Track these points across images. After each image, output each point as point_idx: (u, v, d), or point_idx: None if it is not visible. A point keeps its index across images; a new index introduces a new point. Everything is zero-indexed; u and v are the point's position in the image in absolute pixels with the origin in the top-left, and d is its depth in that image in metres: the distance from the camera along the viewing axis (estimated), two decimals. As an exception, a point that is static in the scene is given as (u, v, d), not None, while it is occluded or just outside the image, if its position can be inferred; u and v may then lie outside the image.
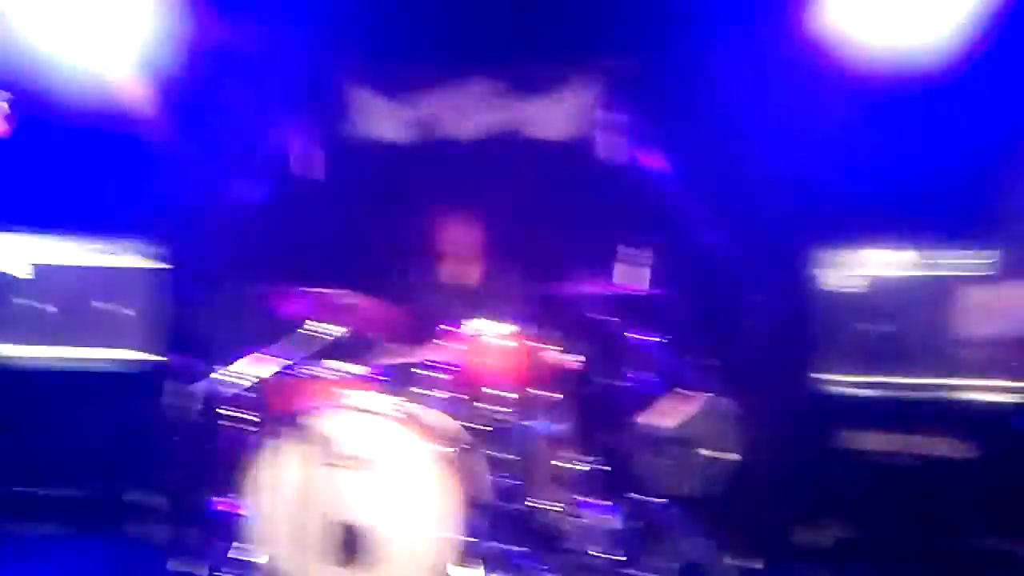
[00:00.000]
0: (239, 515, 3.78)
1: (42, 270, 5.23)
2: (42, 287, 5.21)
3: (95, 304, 5.23)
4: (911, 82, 4.28)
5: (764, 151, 4.54)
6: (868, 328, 4.62)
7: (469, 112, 5.25)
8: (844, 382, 4.71)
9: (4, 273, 5.18)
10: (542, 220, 5.06)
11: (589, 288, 4.07)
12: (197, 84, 4.99)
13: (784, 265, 4.73)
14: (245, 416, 3.90)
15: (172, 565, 3.87)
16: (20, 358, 5.17)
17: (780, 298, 4.56)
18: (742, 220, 4.45)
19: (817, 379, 4.72)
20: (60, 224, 5.21)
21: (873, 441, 4.66)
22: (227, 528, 3.85)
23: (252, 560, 3.57)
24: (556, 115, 5.17)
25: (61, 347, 5.19)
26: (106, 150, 5.21)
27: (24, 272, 5.19)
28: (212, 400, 3.88)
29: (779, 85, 4.47)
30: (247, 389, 3.92)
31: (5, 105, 2.94)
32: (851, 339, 4.71)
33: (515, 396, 3.90)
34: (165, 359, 4.67)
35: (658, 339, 4.00)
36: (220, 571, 3.78)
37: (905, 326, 4.69)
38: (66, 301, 5.21)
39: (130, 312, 5.22)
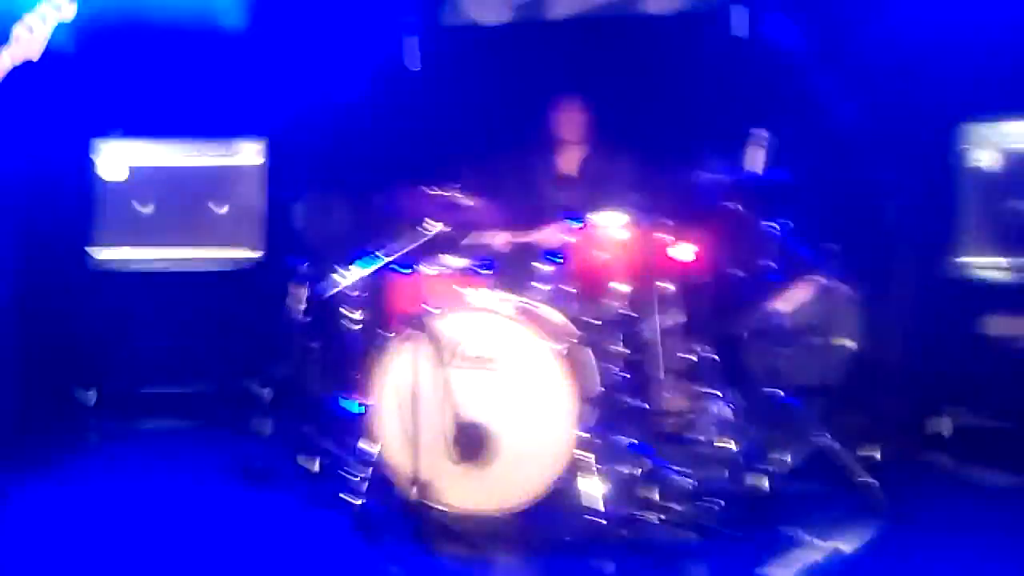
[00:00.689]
0: (360, 412, 3.84)
1: (163, 174, 5.29)
2: (163, 191, 5.28)
3: (210, 205, 5.28)
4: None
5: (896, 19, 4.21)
6: (1007, 208, 4.31)
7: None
8: (980, 265, 4.44)
9: (114, 181, 5.25)
10: (658, 102, 4.85)
11: (709, 173, 3.87)
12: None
13: (917, 141, 4.44)
14: (363, 315, 3.92)
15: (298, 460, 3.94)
16: (138, 260, 5.29)
17: (912, 177, 4.27)
18: (873, 94, 4.14)
19: (952, 262, 4.47)
20: (178, 129, 5.24)
21: (1009, 327, 4.42)
22: (348, 425, 3.93)
23: (373, 457, 3.61)
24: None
25: (180, 248, 5.28)
26: (205, 51, 5.20)
27: (129, 176, 5.25)
28: (331, 299, 3.88)
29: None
30: (364, 288, 3.92)
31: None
32: (988, 219, 4.41)
33: (631, 287, 3.79)
34: (283, 259, 4.68)
35: (782, 224, 3.80)
36: (342, 467, 3.87)
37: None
38: (181, 202, 5.28)
39: (244, 211, 5.26)
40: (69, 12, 2.93)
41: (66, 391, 5.14)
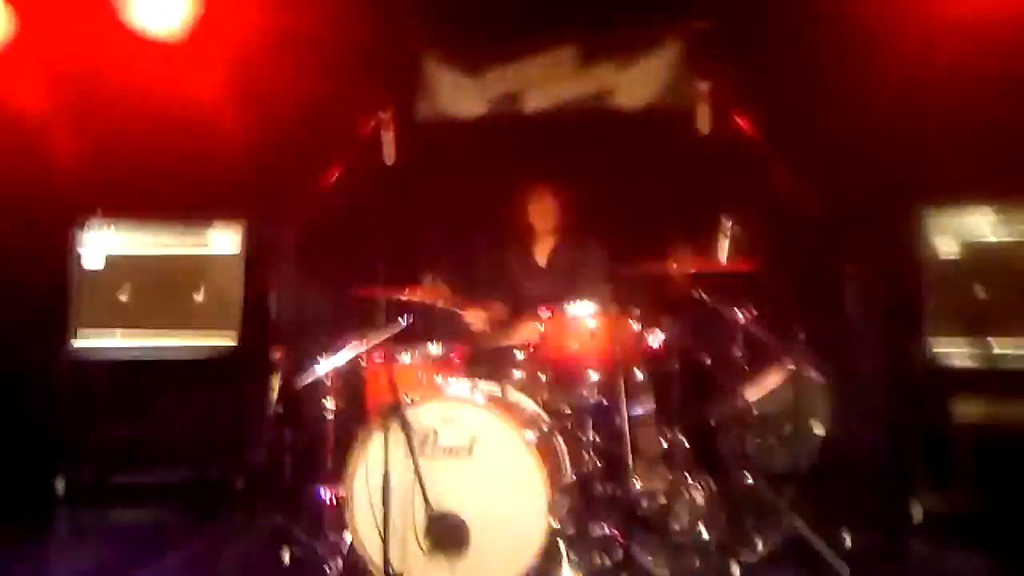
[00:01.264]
0: (333, 501, 3.84)
1: (127, 261, 5.33)
2: (128, 277, 5.31)
3: (187, 292, 5.31)
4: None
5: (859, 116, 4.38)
6: (968, 294, 4.41)
7: (552, 82, 5.16)
8: (946, 350, 4.53)
9: (92, 268, 5.29)
10: (628, 193, 4.98)
11: (676, 263, 3.97)
12: (268, 63, 5.00)
13: (881, 232, 4.57)
14: (338, 404, 3.94)
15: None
16: (113, 348, 5.28)
17: (875, 266, 4.39)
18: (836, 185, 4.28)
19: (919, 348, 4.56)
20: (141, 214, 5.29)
21: (974, 411, 4.49)
22: (321, 514, 3.91)
23: (346, 546, 3.59)
24: (641, 84, 5.05)
25: (151, 335, 5.29)
26: (181, 138, 5.29)
27: (107, 264, 5.29)
28: (306, 387, 3.90)
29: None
30: (339, 377, 3.94)
31: None
32: (951, 306, 4.52)
33: (602, 375, 3.84)
34: (258, 347, 4.71)
35: (749, 314, 3.89)
36: (314, 557, 3.84)
37: (1008, 291, 4.48)
38: (158, 289, 5.30)
39: (221, 298, 5.29)
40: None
41: (37, 479, 5.08)
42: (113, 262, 5.33)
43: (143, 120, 5.21)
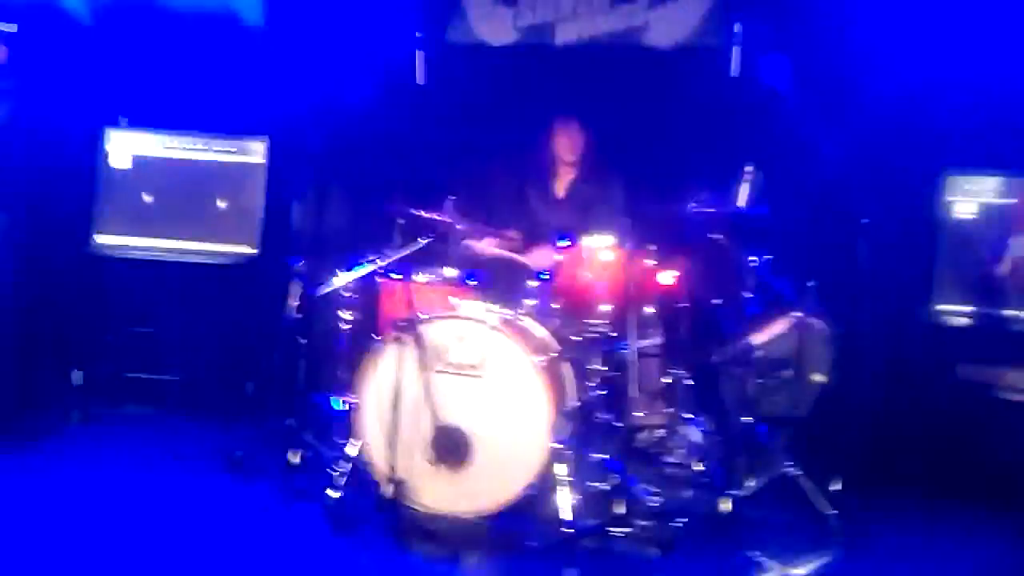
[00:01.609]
0: (344, 410, 3.96)
1: (167, 165, 5.40)
2: (165, 182, 5.38)
3: (210, 199, 5.38)
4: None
5: (884, 68, 4.39)
6: (980, 258, 4.46)
7: (584, 17, 5.15)
8: (952, 311, 4.60)
9: (119, 168, 5.36)
10: (653, 132, 5.00)
11: (696, 203, 4.02)
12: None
13: (899, 188, 4.61)
14: (354, 316, 4.04)
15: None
16: (136, 248, 5.38)
17: (891, 222, 4.43)
18: (858, 140, 4.30)
19: (925, 308, 4.63)
20: (172, 121, 5.35)
21: (970, 372, 4.58)
22: (331, 421, 4.05)
23: (353, 453, 3.73)
24: (674, 22, 5.04)
25: (174, 240, 5.38)
26: (213, 48, 5.33)
27: (133, 165, 5.36)
28: (324, 298, 3.99)
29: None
30: (356, 290, 4.03)
31: None
32: (962, 268, 4.58)
33: (614, 308, 3.92)
34: (278, 257, 4.79)
35: (763, 258, 3.95)
36: (322, 462, 3.99)
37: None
38: (182, 195, 5.38)
39: (243, 208, 5.36)
40: None
41: (56, 371, 5.23)
42: (141, 163, 5.41)
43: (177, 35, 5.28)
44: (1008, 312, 4.56)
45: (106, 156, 5.34)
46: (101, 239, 5.35)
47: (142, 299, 5.41)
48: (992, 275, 4.50)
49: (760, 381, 4.27)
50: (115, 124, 5.35)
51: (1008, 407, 4.44)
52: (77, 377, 5.31)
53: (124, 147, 5.36)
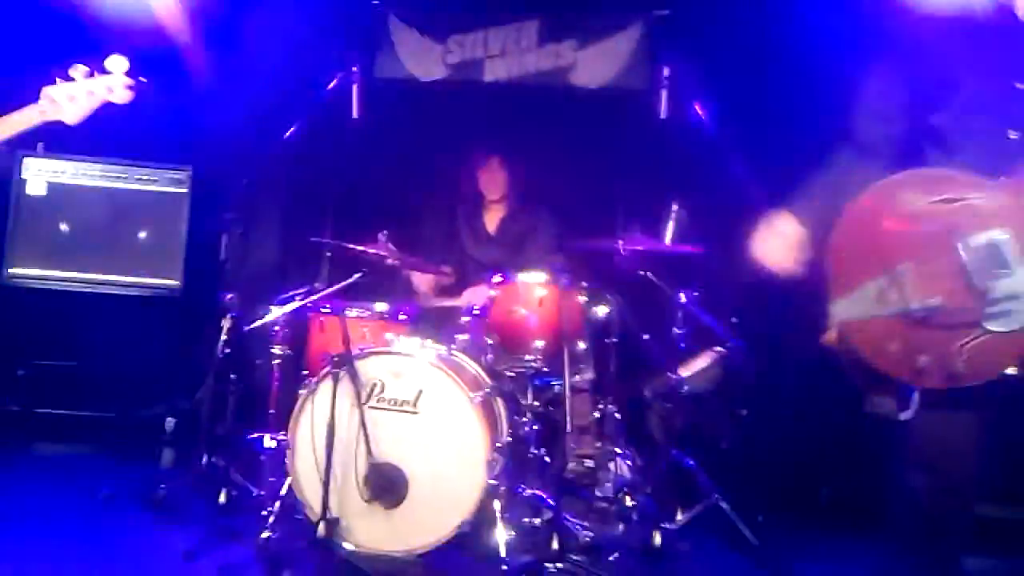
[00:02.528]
0: (273, 447, 3.89)
1: (70, 191, 5.25)
2: (83, 211, 5.23)
3: (130, 230, 5.25)
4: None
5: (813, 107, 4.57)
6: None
7: (512, 55, 5.24)
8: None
9: (34, 195, 5.19)
10: (582, 170, 5.10)
11: (625, 240, 4.11)
12: (234, 13, 4.98)
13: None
14: (284, 351, 3.99)
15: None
16: (48, 279, 5.21)
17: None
18: (784, 180, 4.45)
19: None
20: (94, 149, 5.21)
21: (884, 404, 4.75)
22: (261, 459, 3.97)
23: (283, 491, 3.66)
24: (601, 64, 5.17)
25: (93, 272, 5.23)
26: (135, 72, 5.21)
27: (48, 193, 5.20)
28: (253, 333, 3.93)
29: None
30: (286, 325, 3.98)
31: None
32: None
33: (545, 343, 3.96)
34: (201, 290, 4.70)
35: (687, 293, 4.05)
36: (251, 500, 3.90)
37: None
38: (101, 224, 5.24)
39: (165, 239, 5.25)
40: (122, 97, 2.93)
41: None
42: (56, 191, 5.24)
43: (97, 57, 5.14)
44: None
45: (22, 184, 5.17)
46: (14, 270, 5.17)
47: (58, 332, 5.23)
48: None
49: (687, 414, 4.38)
50: (31, 150, 5.19)
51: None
52: (-15, 414, 5.09)
53: (40, 174, 5.20)
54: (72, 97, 2.85)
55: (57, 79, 2.85)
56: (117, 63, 2.87)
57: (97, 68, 2.92)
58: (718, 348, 4.38)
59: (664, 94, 4.13)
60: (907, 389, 2.56)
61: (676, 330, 4.11)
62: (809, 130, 4.70)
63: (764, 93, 4.83)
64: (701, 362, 4.47)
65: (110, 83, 2.87)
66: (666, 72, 4.14)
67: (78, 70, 2.87)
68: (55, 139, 5.19)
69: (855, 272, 2.47)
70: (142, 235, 5.27)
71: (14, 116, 2.88)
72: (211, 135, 5.18)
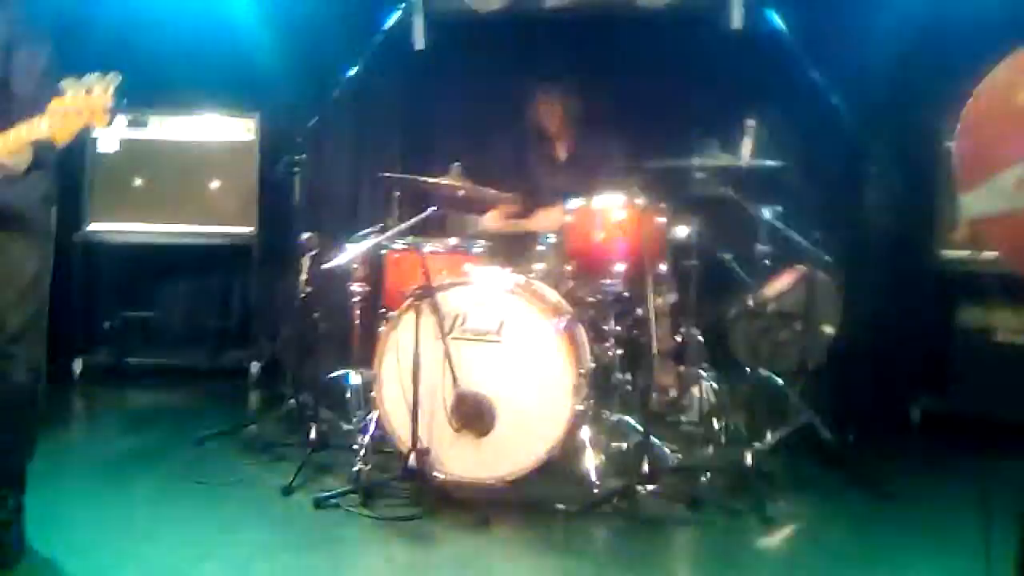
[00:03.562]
0: (361, 382, 3.93)
1: (141, 147, 5.30)
2: (155, 165, 5.29)
3: (202, 180, 5.30)
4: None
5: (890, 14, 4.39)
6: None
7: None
8: (958, 258, 4.61)
9: (107, 152, 5.26)
10: (654, 89, 4.97)
11: (703, 159, 4.00)
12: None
13: (903, 137, 4.62)
14: (365, 288, 4.00)
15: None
16: (126, 233, 5.30)
17: (895, 171, 4.44)
18: (862, 88, 4.29)
19: (931, 255, 4.65)
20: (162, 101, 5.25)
21: (983, 318, 4.61)
22: (349, 393, 4.01)
23: (374, 424, 3.69)
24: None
25: (169, 224, 5.30)
26: (201, 24, 5.22)
27: (121, 149, 5.26)
28: (333, 271, 3.94)
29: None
30: (365, 262, 3.99)
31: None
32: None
33: (626, 268, 3.90)
34: (278, 233, 4.73)
35: (773, 211, 3.94)
36: (342, 434, 3.95)
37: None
38: (173, 176, 5.30)
39: (237, 187, 5.29)
40: (102, 122, 2.54)
41: (56, 362, 5.13)
42: (128, 147, 5.31)
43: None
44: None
45: (93, 141, 5.24)
46: (94, 226, 5.26)
47: (140, 284, 5.34)
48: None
49: (772, 334, 4.30)
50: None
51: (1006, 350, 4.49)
52: (77, 365, 5.24)
53: (112, 131, 5.26)
54: (66, 115, 2.52)
55: (63, 89, 2.50)
56: (108, 83, 2.52)
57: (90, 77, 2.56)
58: (803, 265, 4.27)
59: (737, 3, 3.95)
60: None
61: (759, 248, 3.99)
62: (890, 37, 4.56)
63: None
64: (786, 280, 4.37)
65: (94, 105, 2.51)
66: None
67: (77, 84, 2.52)
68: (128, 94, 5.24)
69: (988, 158, 2.12)
70: (215, 184, 5.31)
71: (22, 129, 2.57)
72: (275, 79, 5.17)
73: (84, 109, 2.51)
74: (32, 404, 2.91)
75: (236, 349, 5.36)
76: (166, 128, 5.34)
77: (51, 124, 2.52)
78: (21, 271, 2.84)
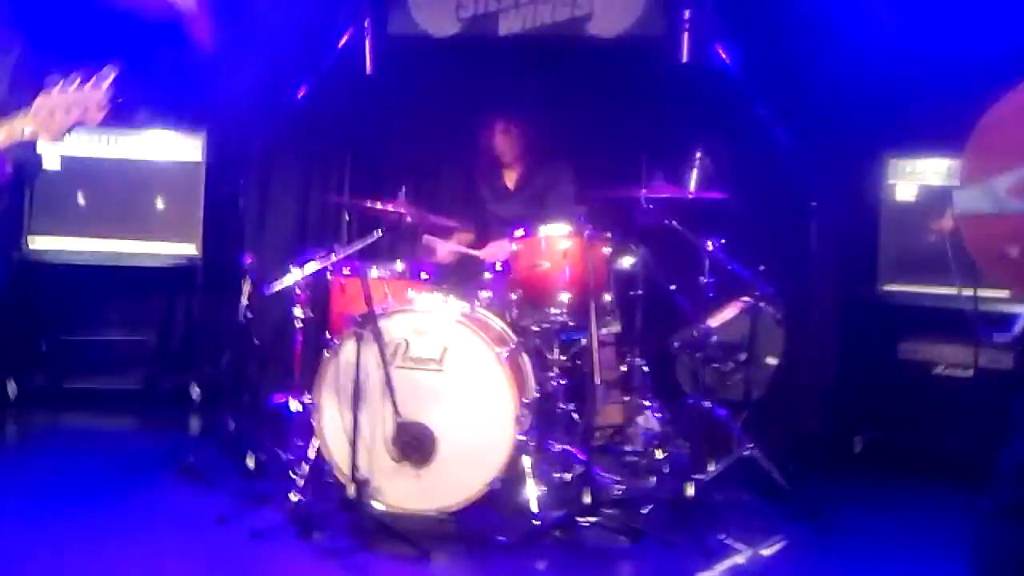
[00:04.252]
0: (300, 410, 3.87)
1: (84, 164, 5.21)
2: (98, 182, 5.19)
3: (147, 199, 5.21)
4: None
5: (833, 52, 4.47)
6: (922, 238, 4.55)
7: (526, 6, 5.12)
8: (898, 291, 4.70)
9: (49, 170, 5.15)
10: (601, 120, 4.99)
11: (649, 190, 4.02)
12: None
13: (844, 171, 4.69)
14: (307, 313, 3.95)
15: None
16: (67, 252, 5.19)
17: (839, 205, 4.51)
18: (806, 123, 4.36)
19: (872, 288, 4.72)
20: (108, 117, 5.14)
21: (921, 351, 4.69)
22: (288, 422, 3.95)
23: (313, 454, 3.63)
24: (618, 12, 5.04)
25: (111, 241, 5.20)
26: (152, 42, 5.14)
27: (63, 166, 5.16)
28: (275, 296, 3.88)
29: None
30: (308, 287, 3.94)
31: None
32: (907, 248, 4.67)
33: (571, 297, 3.89)
34: (220, 255, 4.66)
35: (717, 243, 3.97)
36: (280, 464, 3.89)
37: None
38: (117, 194, 5.20)
39: (182, 207, 5.21)
40: (95, 119, 2.50)
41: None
42: (70, 165, 5.20)
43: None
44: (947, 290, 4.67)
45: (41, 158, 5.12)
46: (34, 245, 5.14)
47: (80, 305, 5.22)
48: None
49: (716, 365, 4.32)
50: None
51: (947, 383, 4.57)
52: (12, 388, 5.10)
53: (54, 147, 5.15)
54: (53, 112, 2.48)
55: (48, 86, 2.47)
56: (103, 78, 2.49)
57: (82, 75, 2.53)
58: (747, 297, 4.31)
59: (686, 37, 4.00)
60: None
61: (703, 279, 4.02)
62: (835, 69, 4.64)
63: (787, 32, 4.70)
64: (730, 311, 4.40)
65: (87, 100, 2.47)
66: (687, 15, 4.00)
67: (64, 81, 2.49)
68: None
69: (992, 160, 2.21)
70: (159, 203, 5.23)
71: (4, 126, 2.52)
72: (224, 99, 5.10)
73: (75, 105, 2.46)
74: None
75: (177, 372, 5.25)
76: (112, 145, 5.24)
77: (36, 123, 2.46)
78: None
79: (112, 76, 2.49)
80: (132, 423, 4.95)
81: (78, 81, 2.46)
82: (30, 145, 2.55)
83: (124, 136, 5.23)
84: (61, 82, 2.46)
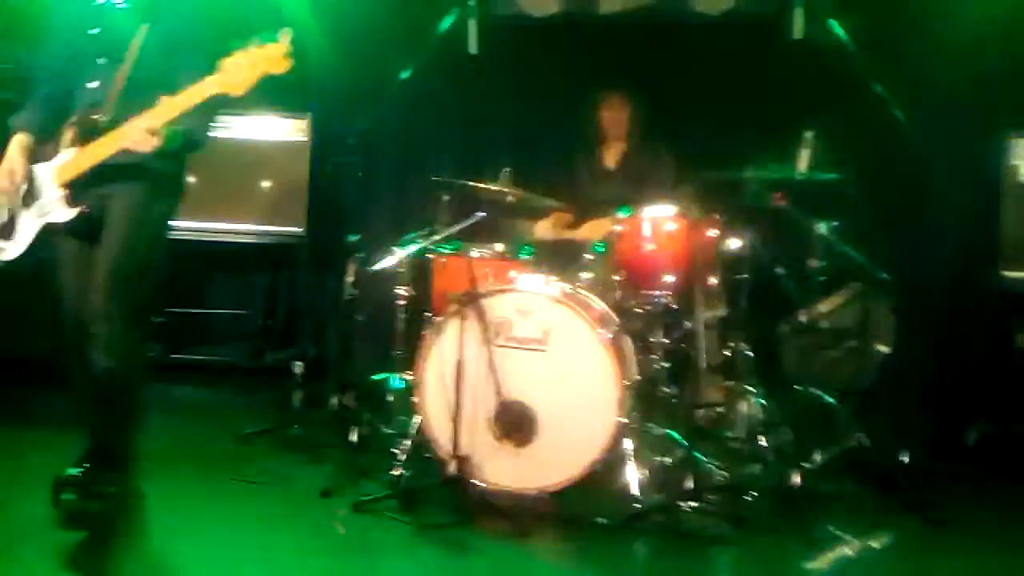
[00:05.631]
0: (403, 386, 3.90)
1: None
2: (200, 163, 5.30)
3: (254, 180, 5.32)
4: None
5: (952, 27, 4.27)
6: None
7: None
8: (1018, 278, 4.47)
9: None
10: (711, 99, 4.89)
11: (759, 171, 3.91)
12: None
13: (965, 153, 4.49)
14: (410, 292, 3.98)
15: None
16: (177, 229, 5.32)
17: (957, 187, 4.32)
18: (922, 102, 4.19)
19: (991, 274, 4.51)
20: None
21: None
22: (392, 398, 3.99)
23: (415, 430, 3.66)
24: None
25: (219, 221, 5.33)
26: (251, 23, 5.24)
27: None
28: (379, 274, 3.92)
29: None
30: (411, 266, 3.97)
31: None
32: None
33: (675, 279, 3.83)
34: (326, 235, 4.74)
35: (830, 225, 3.84)
36: (383, 439, 3.93)
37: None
38: (222, 176, 5.33)
39: (288, 187, 5.31)
40: (282, 68, 2.87)
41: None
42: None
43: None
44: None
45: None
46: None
47: (187, 281, 5.37)
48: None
49: (824, 351, 4.19)
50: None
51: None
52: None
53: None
54: (239, 67, 2.86)
55: (230, 49, 2.85)
56: (284, 34, 2.85)
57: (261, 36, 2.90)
58: (858, 282, 4.16)
59: (799, 12, 3.87)
60: None
61: (814, 263, 3.89)
62: (954, 45, 4.43)
63: (903, 8, 4.51)
64: (840, 296, 4.26)
65: (270, 54, 2.84)
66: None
67: (245, 42, 2.87)
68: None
69: None
70: (266, 184, 5.34)
71: (192, 89, 2.91)
72: (329, 80, 5.17)
73: (259, 61, 2.83)
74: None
75: (280, 348, 5.37)
76: (220, 127, 5.35)
77: (224, 79, 2.85)
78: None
79: (290, 34, 2.83)
80: (237, 396, 5.07)
81: (258, 40, 2.82)
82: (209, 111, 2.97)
83: (232, 118, 5.35)
84: (242, 44, 2.83)
